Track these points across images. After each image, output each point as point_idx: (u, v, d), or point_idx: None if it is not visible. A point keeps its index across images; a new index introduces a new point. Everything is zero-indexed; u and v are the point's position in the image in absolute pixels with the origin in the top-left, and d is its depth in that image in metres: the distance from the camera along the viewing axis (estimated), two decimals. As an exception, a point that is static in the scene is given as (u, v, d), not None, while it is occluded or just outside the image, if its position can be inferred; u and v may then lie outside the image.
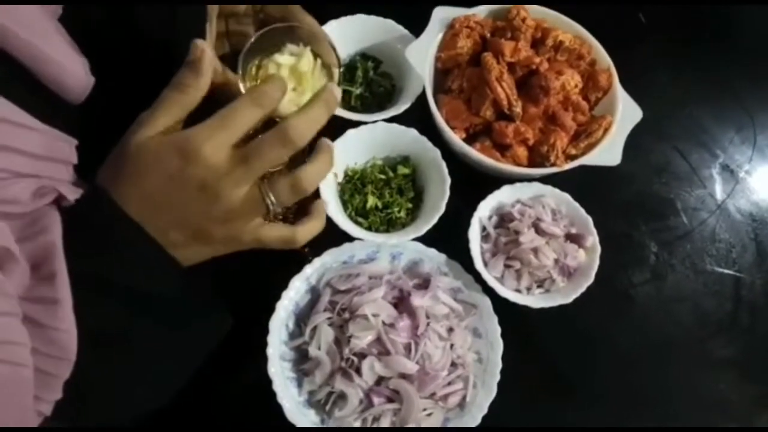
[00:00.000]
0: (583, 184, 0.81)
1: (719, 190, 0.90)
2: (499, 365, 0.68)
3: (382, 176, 0.80)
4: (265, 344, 0.66)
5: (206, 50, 0.44)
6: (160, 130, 0.43)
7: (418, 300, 0.68)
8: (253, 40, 0.51)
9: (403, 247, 0.74)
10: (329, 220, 0.73)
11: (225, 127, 0.43)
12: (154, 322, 0.45)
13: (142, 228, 0.43)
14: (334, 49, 0.53)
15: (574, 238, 0.77)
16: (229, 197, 0.43)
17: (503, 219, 0.78)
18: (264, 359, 0.65)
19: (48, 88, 0.47)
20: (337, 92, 0.46)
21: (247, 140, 0.46)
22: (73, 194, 0.43)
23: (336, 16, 0.85)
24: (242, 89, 0.51)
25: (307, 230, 0.51)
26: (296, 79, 0.53)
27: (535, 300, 0.73)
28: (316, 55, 0.53)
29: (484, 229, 0.77)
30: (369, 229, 0.77)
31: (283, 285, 0.70)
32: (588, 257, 0.76)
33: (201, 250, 0.47)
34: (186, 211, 0.44)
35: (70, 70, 0.47)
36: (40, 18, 0.47)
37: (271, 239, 0.49)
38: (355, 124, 0.78)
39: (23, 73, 0.44)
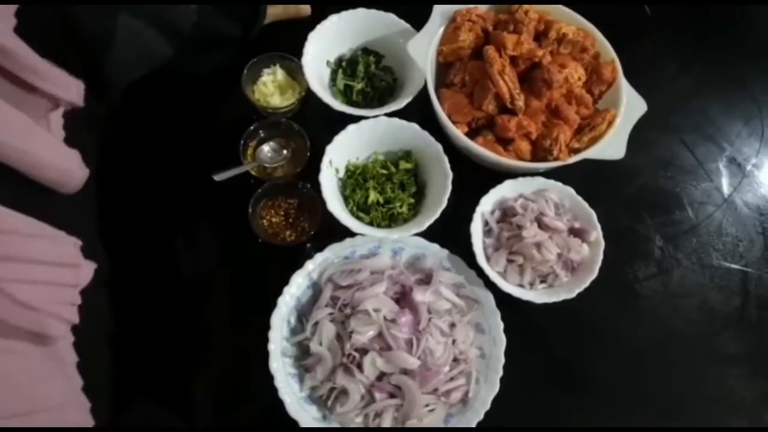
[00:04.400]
0: (587, 178, 0.80)
1: (726, 184, 0.89)
2: (502, 361, 0.68)
3: (384, 171, 0.79)
4: (266, 340, 0.66)
5: None
6: None
7: (420, 295, 0.67)
8: (246, 69, 0.81)
9: (404, 242, 0.74)
10: (331, 216, 0.73)
11: None
12: None
13: None
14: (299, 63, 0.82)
15: (578, 233, 0.76)
16: None
17: (506, 213, 0.77)
18: (265, 355, 0.65)
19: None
20: None
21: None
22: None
23: (337, 10, 0.85)
24: (249, 96, 0.82)
25: None
26: (278, 86, 0.85)
27: (539, 295, 0.73)
28: (286, 69, 0.85)
29: (486, 223, 0.77)
30: (370, 224, 0.76)
31: (285, 280, 0.69)
32: (592, 252, 0.75)
33: None
34: None
35: (66, 169, 0.56)
36: (28, 122, 0.52)
37: None
38: (357, 118, 0.78)
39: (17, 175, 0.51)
